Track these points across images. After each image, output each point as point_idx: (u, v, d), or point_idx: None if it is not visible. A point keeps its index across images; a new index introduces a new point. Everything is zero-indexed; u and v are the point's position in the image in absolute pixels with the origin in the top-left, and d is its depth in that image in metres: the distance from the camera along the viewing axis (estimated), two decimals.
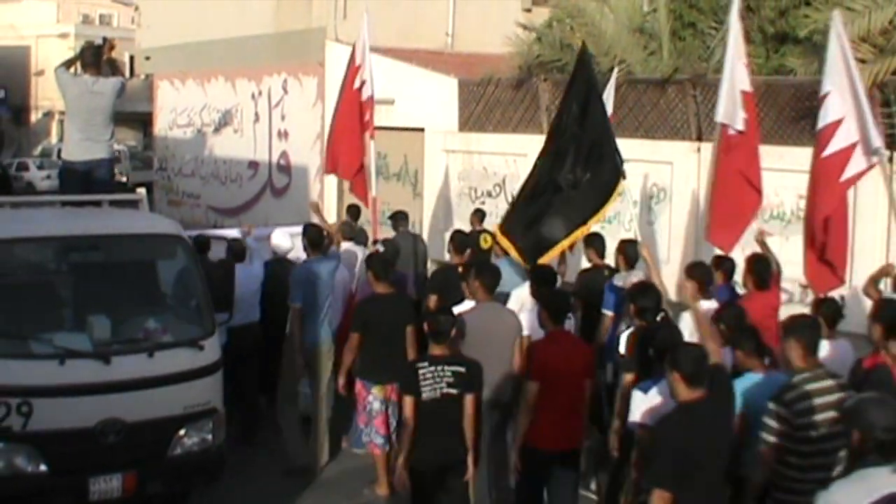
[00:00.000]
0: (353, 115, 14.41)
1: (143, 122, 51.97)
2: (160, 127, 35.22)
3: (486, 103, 22.11)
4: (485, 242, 14.03)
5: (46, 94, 62.47)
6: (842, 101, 9.87)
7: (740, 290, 10.90)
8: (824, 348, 8.25)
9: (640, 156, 18.81)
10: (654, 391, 7.84)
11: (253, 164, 29.53)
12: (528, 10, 27.96)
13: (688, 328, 9.35)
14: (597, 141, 11.30)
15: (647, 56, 20.22)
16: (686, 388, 6.91)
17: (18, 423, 8.56)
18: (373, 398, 10.57)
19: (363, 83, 14.44)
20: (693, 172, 18.05)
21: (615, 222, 19.03)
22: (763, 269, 10.32)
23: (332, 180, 25.34)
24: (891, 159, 15.52)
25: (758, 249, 10.92)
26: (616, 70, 16.95)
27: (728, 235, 10.97)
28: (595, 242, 11.98)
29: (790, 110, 16.90)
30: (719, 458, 6.99)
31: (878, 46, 15.45)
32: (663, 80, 18.82)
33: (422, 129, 23.21)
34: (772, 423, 7.14)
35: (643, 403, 7.90)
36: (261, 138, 29.16)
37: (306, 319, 11.44)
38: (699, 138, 18.18)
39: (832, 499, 5.35)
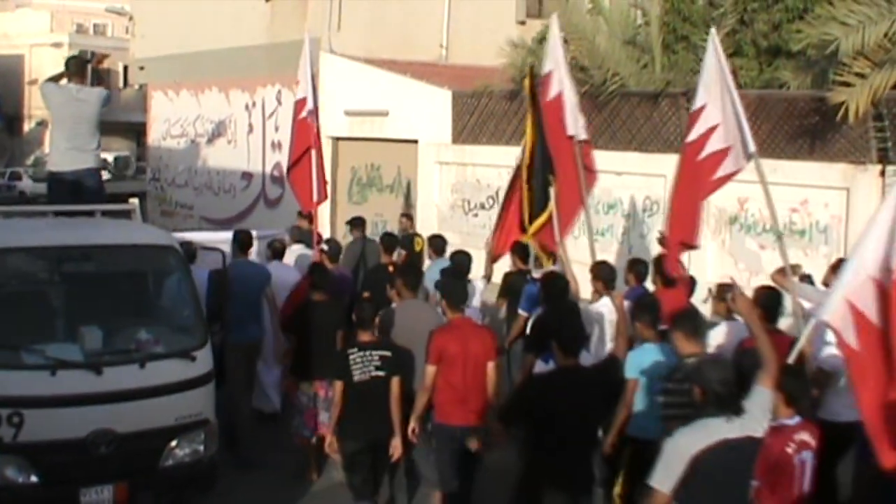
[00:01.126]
0: (307, 141, 14.93)
1: (136, 132, 51.99)
2: (154, 137, 35.21)
3: (479, 115, 22.14)
4: (417, 245, 15.78)
5: (39, 104, 62.00)
6: (716, 111, 10.34)
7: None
8: (722, 331, 9.81)
9: (633, 168, 18.87)
10: (552, 362, 9.12)
11: (246, 175, 29.53)
12: (522, 23, 28.01)
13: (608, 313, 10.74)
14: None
15: (640, 69, 20.25)
16: (561, 356, 8.30)
17: (9, 433, 8.55)
18: (301, 394, 11.48)
19: (306, 107, 15.07)
20: None
21: (608, 235, 19.11)
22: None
23: None
24: (883, 173, 15.58)
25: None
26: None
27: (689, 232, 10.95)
28: (519, 250, 12.99)
29: (783, 124, 16.93)
30: (580, 417, 7.98)
31: (875, 61, 15.47)
32: (656, 94, 18.85)
33: (415, 141, 23.24)
34: (666, 398, 8.45)
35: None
36: (254, 149, 29.16)
37: (233, 320, 11.77)
38: None
39: (678, 443, 6.51)
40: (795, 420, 7.27)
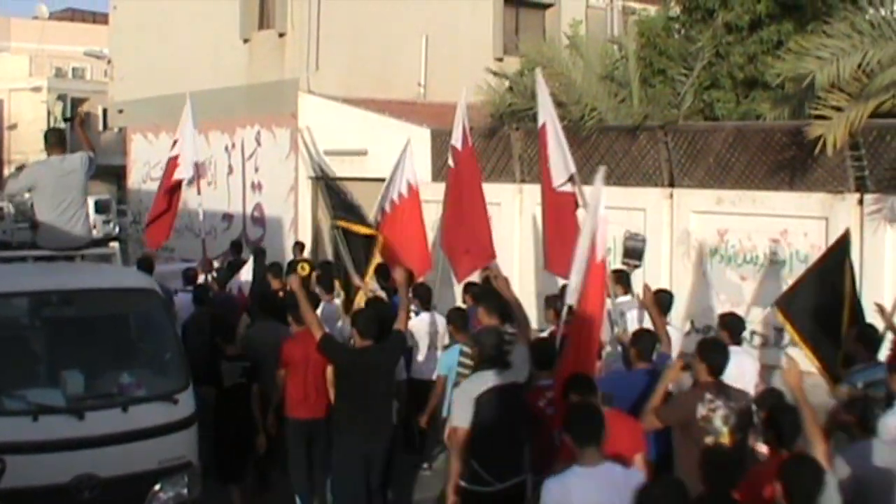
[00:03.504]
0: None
1: (116, 175, 51.90)
2: (133, 180, 35.15)
3: None
4: (302, 270, 16.96)
5: (19, 148, 62.34)
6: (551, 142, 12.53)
7: None
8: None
9: (612, 203, 18.76)
10: None
11: (227, 217, 29.47)
12: (500, 60, 28.14)
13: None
14: None
15: (617, 103, 20.32)
16: (359, 338, 10.30)
17: None
18: None
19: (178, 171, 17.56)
20: (666, 218, 18.13)
21: None
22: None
23: (306, 231, 25.42)
24: (861, 201, 15.67)
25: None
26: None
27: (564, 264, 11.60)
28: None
29: (761, 155, 17.02)
30: (378, 390, 10.21)
31: (850, 93, 15.58)
32: (634, 127, 18.92)
33: None
34: (461, 358, 11.19)
35: None
36: (234, 190, 29.13)
37: None
38: (671, 185, 18.26)
39: (465, 389, 9.18)
40: (549, 381, 9.43)
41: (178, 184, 16.63)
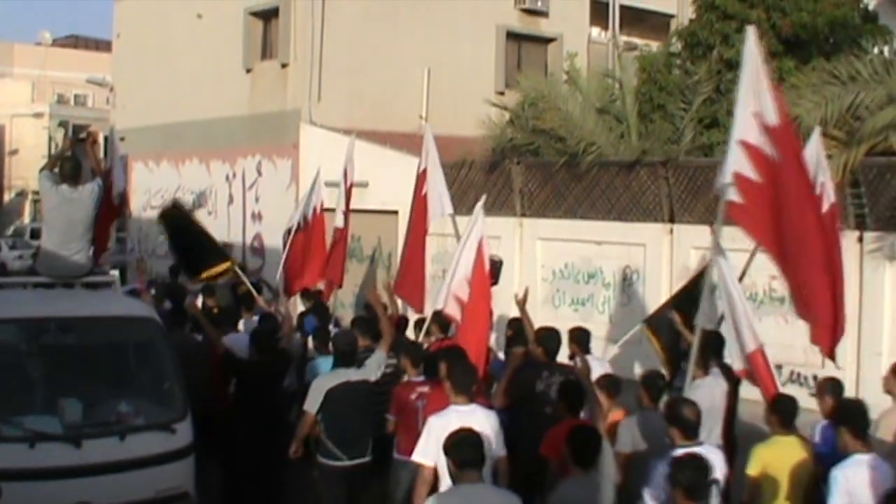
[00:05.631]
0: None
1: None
2: (134, 208, 35.11)
3: (459, 186, 22.18)
4: (241, 289, 17.09)
5: (20, 174, 62.43)
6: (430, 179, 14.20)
7: None
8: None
9: (613, 238, 18.95)
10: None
11: (227, 246, 29.43)
12: (502, 93, 28.20)
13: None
14: None
15: (616, 138, 20.38)
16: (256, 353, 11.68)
17: None
18: None
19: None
20: (666, 254, 18.16)
21: (588, 304, 19.15)
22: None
23: None
24: (861, 239, 15.69)
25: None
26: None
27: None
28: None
29: None
30: (272, 394, 11.45)
31: (838, 139, 15.67)
32: (634, 162, 18.96)
33: (396, 212, 23.24)
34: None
35: None
36: (235, 220, 29.13)
37: None
38: (671, 220, 18.30)
39: (319, 383, 10.60)
40: (421, 378, 10.62)
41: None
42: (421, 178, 14.63)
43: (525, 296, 12.11)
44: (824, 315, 10.10)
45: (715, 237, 10.47)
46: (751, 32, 9.85)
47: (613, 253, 19.02)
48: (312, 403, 10.51)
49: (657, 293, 18.20)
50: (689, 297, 12.19)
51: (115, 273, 12.71)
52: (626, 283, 18.92)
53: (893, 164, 15.52)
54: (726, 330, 10.82)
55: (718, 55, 20.47)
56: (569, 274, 19.33)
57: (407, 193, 22.54)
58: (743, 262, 15.76)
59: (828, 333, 10.15)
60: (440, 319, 13.03)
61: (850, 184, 15.75)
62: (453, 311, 11.95)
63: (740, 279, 11.50)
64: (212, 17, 30.11)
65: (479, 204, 12.63)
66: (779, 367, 15.16)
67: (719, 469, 8.12)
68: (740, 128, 9.63)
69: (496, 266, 15.33)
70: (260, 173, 28.31)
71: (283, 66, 27.65)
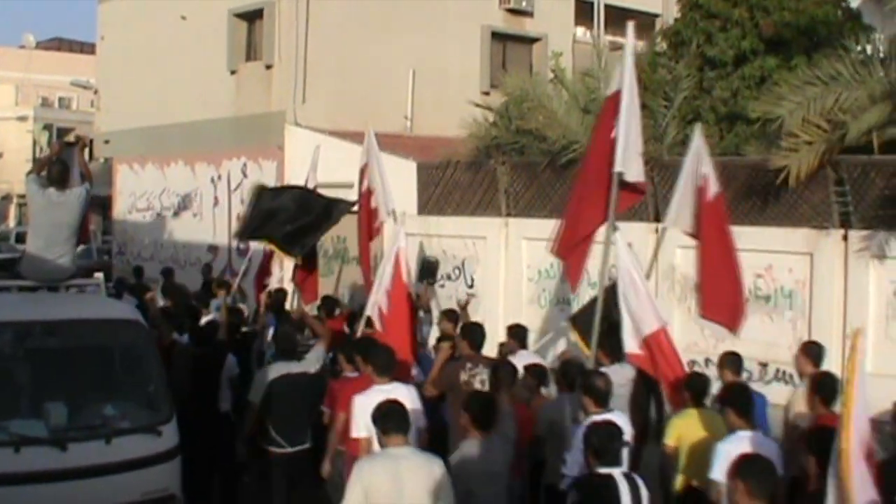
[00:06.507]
0: None
1: (102, 205, 51.83)
2: (119, 211, 35.10)
3: (444, 186, 22.19)
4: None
5: (4, 177, 62.23)
6: (372, 176, 15.00)
7: None
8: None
9: (598, 237, 18.91)
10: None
11: (212, 249, 29.44)
12: (487, 94, 28.22)
13: None
14: None
15: None
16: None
17: None
18: None
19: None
20: (651, 252, 18.15)
21: (574, 304, 19.13)
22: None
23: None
24: (846, 237, 15.72)
25: None
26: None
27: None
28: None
29: (746, 190, 17.06)
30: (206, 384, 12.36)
31: (823, 128, 15.72)
32: None
33: None
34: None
35: None
36: (220, 222, 29.11)
37: None
38: (657, 219, 18.29)
39: (262, 375, 11.75)
40: (356, 374, 11.07)
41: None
42: (361, 175, 15.51)
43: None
44: (727, 294, 11.84)
45: (611, 222, 11.84)
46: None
47: (599, 252, 19.00)
48: (256, 394, 11.51)
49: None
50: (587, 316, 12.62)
51: (100, 276, 12.68)
52: (611, 281, 18.90)
53: (877, 162, 15.53)
54: (623, 315, 11.43)
55: (699, 52, 20.48)
56: (555, 273, 19.25)
57: (392, 194, 22.65)
58: (753, 261, 15.99)
59: (729, 311, 11.79)
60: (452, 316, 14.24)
61: (835, 182, 15.77)
62: (376, 316, 12.75)
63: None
64: (196, 18, 30.07)
65: (400, 220, 14.21)
66: (763, 364, 15.28)
67: (628, 433, 9.03)
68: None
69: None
70: (245, 175, 28.29)
71: (268, 67, 27.66)
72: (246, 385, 12.32)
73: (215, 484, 12.65)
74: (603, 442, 7.87)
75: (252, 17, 28.86)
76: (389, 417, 8.16)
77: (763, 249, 16.45)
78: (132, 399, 10.19)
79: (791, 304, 16.29)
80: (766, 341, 15.51)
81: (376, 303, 12.74)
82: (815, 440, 8.07)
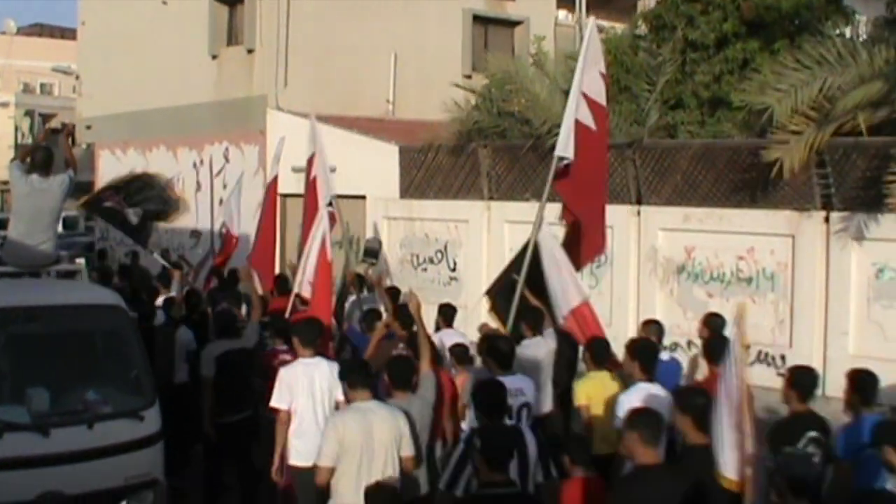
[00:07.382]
0: None
1: (84, 191, 51.61)
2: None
3: (426, 170, 22.20)
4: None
5: None
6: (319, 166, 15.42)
7: None
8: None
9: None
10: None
11: (195, 233, 29.39)
12: (469, 77, 28.17)
13: None
14: None
15: None
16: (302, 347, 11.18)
17: None
18: None
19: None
20: (633, 235, 18.20)
21: None
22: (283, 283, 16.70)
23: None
24: (827, 219, 15.78)
25: None
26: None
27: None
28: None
29: (728, 173, 17.12)
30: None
31: (811, 118, 15.74)
32: None
33: (363, 197, 23.24)
34: None
35: None
36: (202, 207, 29.03)
37: None
38: (639, 202, 18.33)
39: (209, 350, 12.35)
40: (285, 347, 11.93)
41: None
42: (309, 164, 15.96)
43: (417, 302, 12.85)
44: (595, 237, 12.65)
45: (540, 210, 12.39)
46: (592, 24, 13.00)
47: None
48: (208, 369, 12.23)
49: (626, 275, 18.27)
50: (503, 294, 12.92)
51: (82, 261, 12.65)
52: (595, 265, 18.91)
53: (859, 144, 15.59)
54: (552, 292, 11.96)
55: (682, 36, 20.50)
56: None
57: (375, 178, 22.69)
58: (707, 241, 16.06)
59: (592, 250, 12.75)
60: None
61: (817, 164, 15.82)
62: (307, 292, 13.54)
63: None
64: (177, 3, 29.95)
65: (324, 210, 14.39)
66: (746, 346, 15.28)
67: (530, 395, 10.18)
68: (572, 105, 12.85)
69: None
70: (227, 160, 28.25)
71: (249, 52, 27.58)
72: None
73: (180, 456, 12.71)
74: (488, 399, 8.69)
75: (233, 2, 28.77)
76: (355, 372, 9.10)
77: (745, 232, 16.55)
78: (114, 384, 10.17)
79: (773, 286, 16.37)
80: (748, 323, 15.56)
81: (305, 279, 13.66)
82: (681, 396, 8.66)
